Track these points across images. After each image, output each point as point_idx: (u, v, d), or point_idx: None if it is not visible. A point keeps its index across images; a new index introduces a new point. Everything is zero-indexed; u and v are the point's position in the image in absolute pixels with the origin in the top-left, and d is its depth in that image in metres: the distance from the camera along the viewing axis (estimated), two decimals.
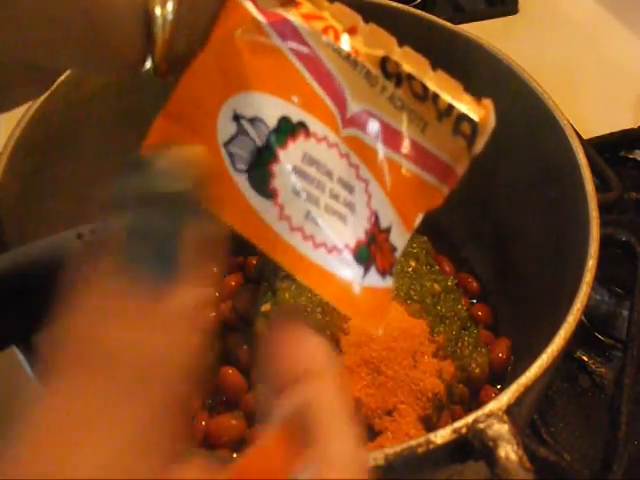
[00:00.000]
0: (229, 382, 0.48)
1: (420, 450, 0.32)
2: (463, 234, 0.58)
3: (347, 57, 0.22)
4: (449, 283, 0.53)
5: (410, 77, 0.22)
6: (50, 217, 0.46)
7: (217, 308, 0.52)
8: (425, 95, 0.22)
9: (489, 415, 0.33)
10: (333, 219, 0.22)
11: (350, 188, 0.22)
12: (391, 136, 0.22)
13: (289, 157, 0.21)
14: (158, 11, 0.22)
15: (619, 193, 0.62)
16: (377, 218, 0.23)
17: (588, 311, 0.57)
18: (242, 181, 0.21)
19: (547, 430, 0.54)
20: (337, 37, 0.22)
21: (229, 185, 0.21)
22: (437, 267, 0.55)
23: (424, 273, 0.53)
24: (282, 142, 0.21)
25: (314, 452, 0.19)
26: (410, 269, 0.52)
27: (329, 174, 0.22)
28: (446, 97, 0.22)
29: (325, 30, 0.22)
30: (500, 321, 0.55)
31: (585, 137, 0.63)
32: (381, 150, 0.22)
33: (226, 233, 0.21)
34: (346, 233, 0.22)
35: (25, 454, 0.18)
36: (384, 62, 0.22)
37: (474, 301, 0.56)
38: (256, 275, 0.54)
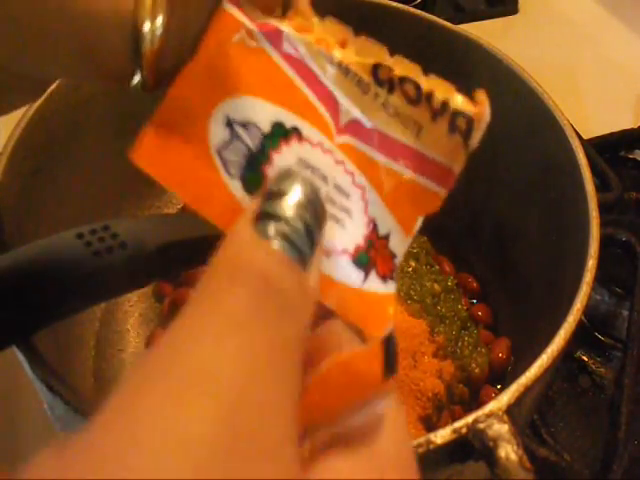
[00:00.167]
0: None
1: (420, 450, 0.32)
2: (463, 234, 0.58)
3: (339, 65, 0.22)
4: (449, 283, 0.53)
5: (402, 81, 0.21)
6: (50, 217, 0.46)
7: None
8: (419, 97, 0.22)
9: (489, 415, 0.33)
10: (330, 223, 0.21)
11: (346, 194, 0.22)
12: (386, 143, 0.22)
13: (283, 160, 0.21)
14: (147, 27, 0.21)
15: (619, 193, 0.62)
16: (375, 225, 0.22)
17: (588, 311, 0.57)
18: (236, 186, 0.21)
19: (547, 430, 0.54)
20: (328, 48, 0.22)
21: (223, 190, 0.21)
22: (437, 267, 0.55)
23: (424, 273, 0.53)
24: (276, 145, 0.21)
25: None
26: (410, 269, 0.52)
27: (324, 179, 0.22)
28: (440, 94, 0.21)
29: (317, 42, 0.22)
30: (500, 321, 0.55)
31: (585, 137, 0.63)
32: (376, 158, 0.22)
33: None
34: (344, 237, 0.22)
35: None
36: (376, 69, 0.22)
37: (474, 301, 0.56)
38: None
